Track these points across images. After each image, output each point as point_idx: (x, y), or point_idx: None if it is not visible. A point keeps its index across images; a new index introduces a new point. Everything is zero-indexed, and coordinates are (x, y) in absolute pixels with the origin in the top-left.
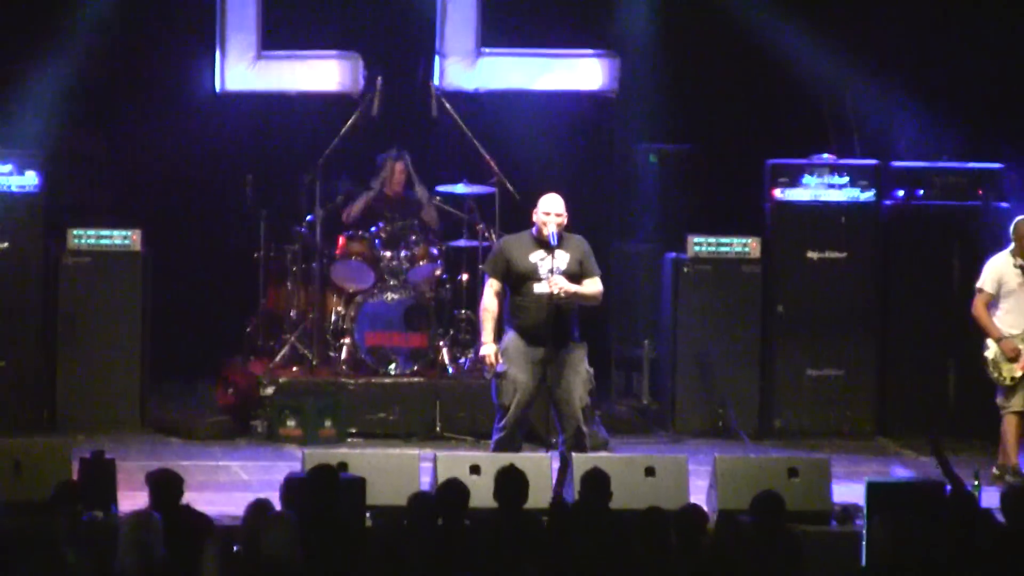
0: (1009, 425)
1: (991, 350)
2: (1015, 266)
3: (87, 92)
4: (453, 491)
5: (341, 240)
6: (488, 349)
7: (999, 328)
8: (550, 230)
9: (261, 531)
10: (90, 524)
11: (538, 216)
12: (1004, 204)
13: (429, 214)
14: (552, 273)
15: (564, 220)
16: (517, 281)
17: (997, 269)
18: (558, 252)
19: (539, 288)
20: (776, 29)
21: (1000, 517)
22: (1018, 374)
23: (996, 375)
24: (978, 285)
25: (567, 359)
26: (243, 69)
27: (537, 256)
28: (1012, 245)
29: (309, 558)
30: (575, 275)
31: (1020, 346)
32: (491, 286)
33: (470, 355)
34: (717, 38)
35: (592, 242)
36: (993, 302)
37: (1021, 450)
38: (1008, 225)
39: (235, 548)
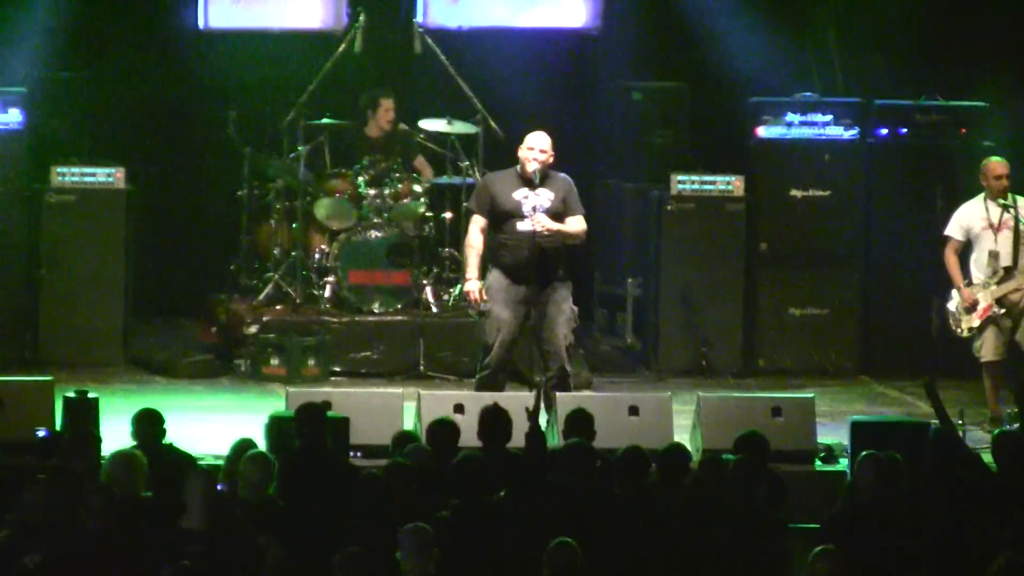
0: (985, 373)
1: (954, 301)
2: (999, 206)
3: (70, 29)
4: (443, 429)
5: (327, 179)
6: (472, 285)
7: (960, 276)
8: (532, 167)
9: (237, 470)
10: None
11: (523, 152)
12: (988, 142)
13: (422, 164)
14: (535, 211)
15: (549, 158)
16: (500, 218)
17: (964, 215)
18: (541, 190)
19: (522, 226)
20: None
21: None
22: (975, 324)
23: (955, 327)
24: (945, 232)
25: (551, 297)
26: (226, 6)
27: (521, 194)
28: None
29: (292, 496)
30: (558, 213)
31: (979, 295)
32: (476, 223)
33: (454, 293)
34: None
35: (576, 180)
36: (969, 248)
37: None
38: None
39: (219, 487)
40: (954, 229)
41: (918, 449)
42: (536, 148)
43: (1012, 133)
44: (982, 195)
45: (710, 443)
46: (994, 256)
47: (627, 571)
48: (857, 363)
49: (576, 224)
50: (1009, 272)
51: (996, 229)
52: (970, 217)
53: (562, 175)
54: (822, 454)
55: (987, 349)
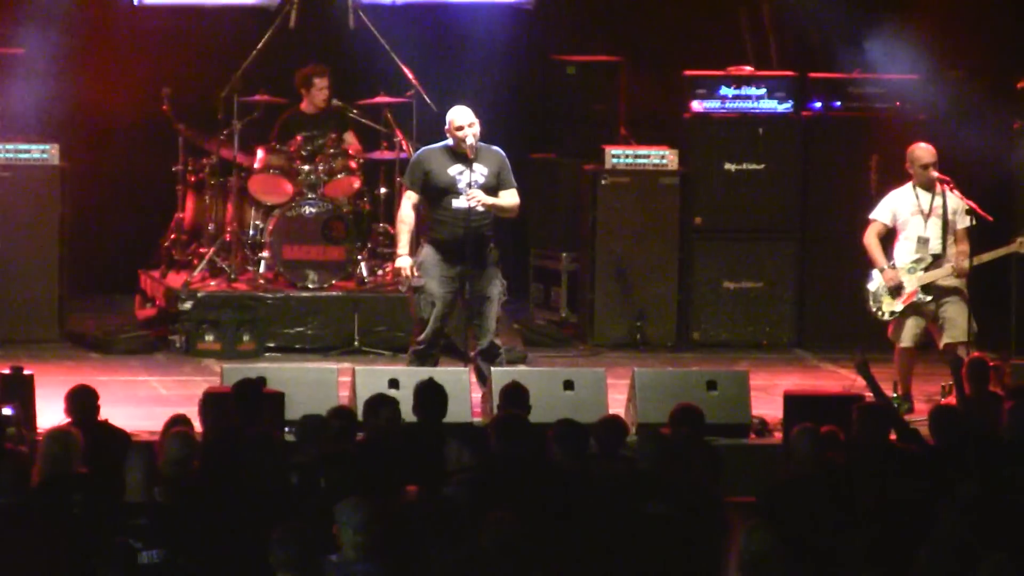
0: (899, 357)
1: (875, 282)
2: (921, 188)
3: (3, 3)
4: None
5: (260, 153)
6: (404, 261)
7: (883, 258)
8: (470, 143)
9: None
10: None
11: (452, 131)
12: (921, 115)
13: (351, 138)
14: (471, 187)
15: (478, 128)
16: (436, 195)
17: (893, 201)
18: (476, 165)
19: (458, 203)
20: None
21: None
22: (898, 308)
23: (875, 308)
24: (871, 215)
25: (483, 273)
26: None
27: (456, 170)
28: None
29: (221, 471)
30: (492, 188)
31: (903, 278)
32: (408, 198)
33: (388, 268)
34: None
35: (510, 154)
36: (895, 232)
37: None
38: (925, 137)
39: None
40: (882, 213)
41: (851, 421)
42: (466, 124)
43: (944, 104)
44: (911, 183)
45: (645, 417)
46: (923, 242)
47: (566, 543)
48: (792, 336)
49: (510, 198)
50: (938, 259)
51: (926, 216)
52: (899, 203)
53: (495, 148)
54: (757, 427)
55: (906, 336)
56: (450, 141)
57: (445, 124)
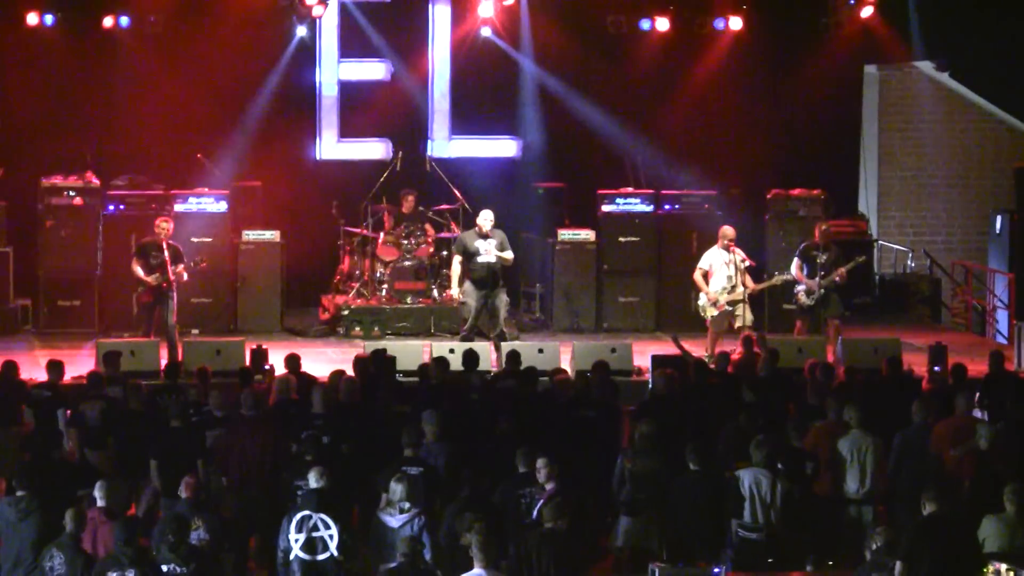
0: (712, 336)
1: (702, 299)
2: (723, 250)
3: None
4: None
5: (382, 235)
6: (454, 291)
7: (706, 287)
8: (487, 228)
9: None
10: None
11: (477, 223)
12: (719, 212)
13: (428, 228)
14: (488, 251)
15: (492, 218)
16: (470, 256)
17: (708, 256)
18: (491, 240)
19: (481, 258)
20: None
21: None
22: (714, 313)
23: (702, 313)
24: (699, 264)
25: (496, 294)
26: (332, 146)
27: (480, 242)
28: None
29: (365, 400)
30: (499, 249)
31: (718, 298)
32: (456, 259)
33: (447, 294)
34: (573, 132)
35: (508, 231)
36: (710, 272)
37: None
38: (719, 225)
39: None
40: (703, 263)
41: (684, 368)
42: (483, 220)
43: (730, 210)
44: (716, 246)
45: (579, 366)
46: (729, 279)
47: (537, 431)
48: (654, 326)
49: (509, 255)
50: (734, 288)
51: (727, 264)
52: (713, 257)
53: (499, 230)
54: (637, 371)
55: (717, 326)
56: (476, 228)
57: (474, 218)
